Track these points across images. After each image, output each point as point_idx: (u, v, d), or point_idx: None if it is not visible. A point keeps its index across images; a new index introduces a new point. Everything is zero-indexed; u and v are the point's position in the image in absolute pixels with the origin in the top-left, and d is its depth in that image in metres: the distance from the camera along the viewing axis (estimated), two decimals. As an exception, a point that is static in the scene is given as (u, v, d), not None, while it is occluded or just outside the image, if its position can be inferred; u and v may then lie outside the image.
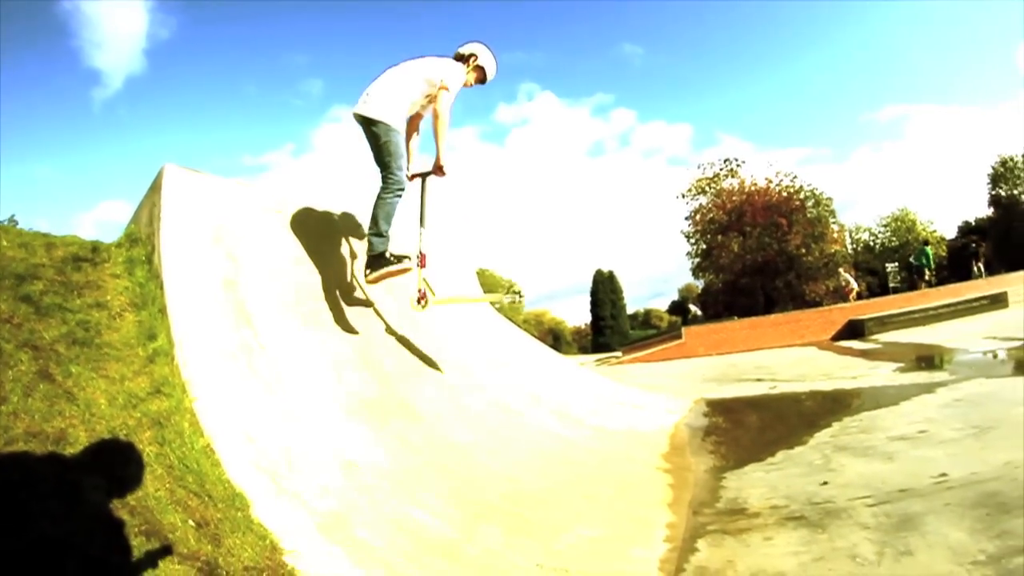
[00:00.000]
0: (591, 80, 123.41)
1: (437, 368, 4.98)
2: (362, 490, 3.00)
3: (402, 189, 4.66)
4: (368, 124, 4.61)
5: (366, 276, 4.74)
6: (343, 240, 5.27)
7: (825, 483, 4.01)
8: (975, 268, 28.71)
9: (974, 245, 29.91)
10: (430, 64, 4.81)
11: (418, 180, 5.07)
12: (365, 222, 4.93)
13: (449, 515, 3.14)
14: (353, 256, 5.23)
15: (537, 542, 3.15)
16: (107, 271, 3.80)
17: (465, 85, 5.02)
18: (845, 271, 26.52)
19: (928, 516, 3.19)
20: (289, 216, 4.84)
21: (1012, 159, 49.27)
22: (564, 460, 4.65)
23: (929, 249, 28.81)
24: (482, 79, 5.17)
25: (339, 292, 4.76)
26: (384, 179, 4.65)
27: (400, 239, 5.06)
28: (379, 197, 4.64)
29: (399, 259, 4.74)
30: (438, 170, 4.96)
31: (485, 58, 5.08)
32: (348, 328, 4.51)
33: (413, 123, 5.06)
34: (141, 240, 4.08)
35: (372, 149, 4.67)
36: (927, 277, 27.45)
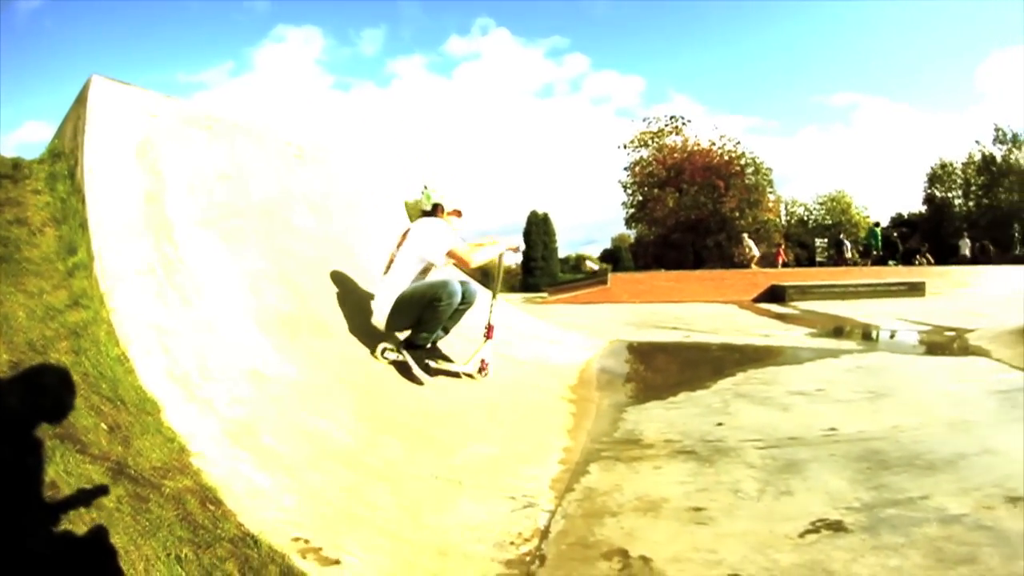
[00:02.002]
0: (549, 22, 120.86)
1: (355, 288, 5.02)
2: (271, 400, 3.10)
3: (451, 293, 4.33)
4: (392, 321, 4.48)
5: (397, 351, 4.52)
6: (270, 158, 5.24)
7: (720, 424, 4.21)
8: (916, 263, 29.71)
9: (924, 247, 30.99)
10: (414, 248, 4.50)
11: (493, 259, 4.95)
12: (294, 140, 5.12)
13: (353, 427, 3.27)
14: (279, 174, 5.23)
15: (436, 456, 3.30)
16: (28, 187, 3.75)
17: (455, 222, 4.82)
18: (749, 237, 26.89)
19: (812, 463, 3.36)
20: (217, 132, 4.77)
21: (951, 164, 51.89)
22: (472, 384, 4.79)
23: (879, 230, 29.95)
24: (459, 212, 4.88)
25: (262, 209, 4.75)
26: (432, 303, 4.39)
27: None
28: (433, 307, 4.37)
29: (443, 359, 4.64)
30: (511, 249, 5.00)
31: (449, 198, 4.81)
32: (268, 245, 4.52)
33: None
34: (64, 155, 4.01)
35: (413, 312, 4.44)
36: (874, 255, 28.56)
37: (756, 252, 26.31)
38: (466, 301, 4.58)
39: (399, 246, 4.57)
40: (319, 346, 3.98)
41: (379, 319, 4.51)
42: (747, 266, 24.47)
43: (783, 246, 34.42)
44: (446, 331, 4.75)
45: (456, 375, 4.72)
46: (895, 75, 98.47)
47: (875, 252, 28.56)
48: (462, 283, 4.53)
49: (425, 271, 4.62)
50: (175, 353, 2.99)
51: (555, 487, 3.11)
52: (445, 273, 4.89)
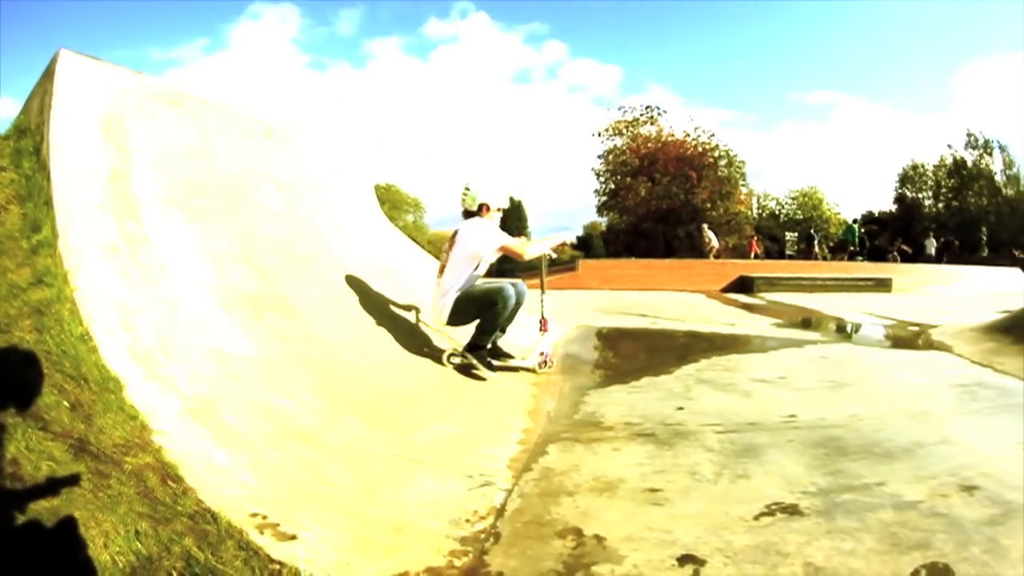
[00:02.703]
0: (529, 8, 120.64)
1: (321, 269, 5.05)
2: (232, 378, 3.14)
3: (507, 297, 4.79)
4: (453, 320, 5.00)
5: (461, 355, 5.01)
6: (239, 136, 5.20)
7: (681, 408, 4.27)
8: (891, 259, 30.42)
9: (898, 243, 31.70)
10: (461, 250, 4.95)
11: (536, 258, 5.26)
12: (264, 119, 5.13)
13: (314, 405, 3.32)
14: (247, 153, 5.21)
15: (396, 435, 3.36)
16: (-8, 165, 3.68)
17: (497, 218, 5.26)
18: (708, 228, 27.13)
19: (771, 448, 3.42)
20: (185, 109, 4.72)
21: (923, 166, 54.37)
22: (436, 366, 4.88)
23: (856, 227, 30.81)
24: (501, 208, 5.28)
25: (229, 189, 4.74)
26: (490, 305, 4.87)
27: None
28: (492, 311, 4.87)
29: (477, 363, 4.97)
30: (562, 244, 5.44)
31: (493, 198, 5.17)
32: (234, 224, 4.51)
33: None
34: (30, 131, 3.94)
35: (470, 312, 4.98)
36: (850, 250, 29.42)
37: (716, 243, 26.51)
38: (519, 302, 5.02)
39: (449, 249, 5.01)
40: (283, 325, 4.00)
41: (438, 318, 5.06)
42: (707, 257, 24.75)
43: (756, 238, 34.89)
44: (503, 331, 5.21)
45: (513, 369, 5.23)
46: (874, 76, 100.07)
47: (852, 248, 29.22)
48: (513, 285, 4.96)
49: (477, 268, 5.04)
50: (138, 331, 3.01)
51: (513, 467, 3.16)
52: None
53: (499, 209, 5.20)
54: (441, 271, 5.03)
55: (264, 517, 2.16)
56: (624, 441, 3.58)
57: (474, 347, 4.97)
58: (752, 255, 31.37)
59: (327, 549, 2.08)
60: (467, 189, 5.12)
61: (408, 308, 5.65)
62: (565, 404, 4.50)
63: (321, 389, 3.53)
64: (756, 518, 2.54)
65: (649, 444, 3.51)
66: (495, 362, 5.04)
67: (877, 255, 30.10)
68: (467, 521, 2.48)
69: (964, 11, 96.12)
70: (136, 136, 4.15)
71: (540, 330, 5.40)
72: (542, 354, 5.38)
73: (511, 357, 5.25)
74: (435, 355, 5.00)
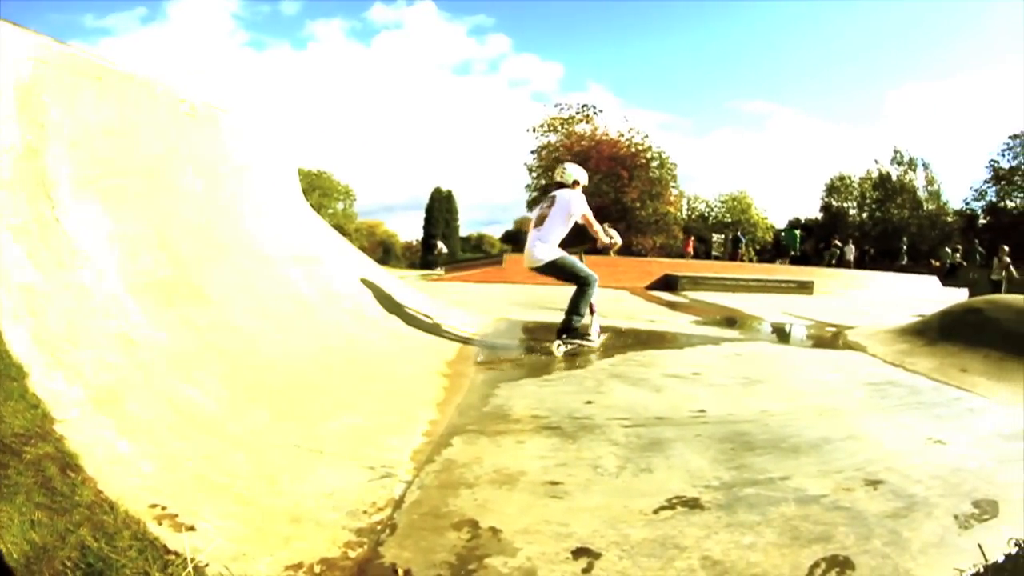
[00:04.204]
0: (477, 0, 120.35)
1: (238, 257, 5.00)
2: (139, 366, 3.12)
3: (594, 282, 6.38)
4: (547, 267, 6.34)
5: (563, 342, 6.30)
6: (161, 115, 5.05)
7: (590, 402, 4.31)
8: (828, 256, 31.57)
9: (834, 248, 32.87)
10: (562, 207, 6.39)
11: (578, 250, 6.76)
12: (189, 98, 5.04)
13: (221, 395, 3.32)
14: (168, 133, 5.07)
15: (301, 425, 3.35)
16: None
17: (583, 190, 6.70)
18: (611, 226, 27.69)
19: (677, 443, 3.46)
20: (107, 84, 4.54)
21: (849, 177, 58.21)
22: (348, 356, 4.89)
23: (797, 233, 32.14)
24: (585, 185, 6.79)
25: (147, 170, 4.61)
26: (581, 282, 6.34)
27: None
28: (582, 291, 6.33)
29: (585, 336, 6.57)
30: (603, 248, 6.88)
31: (583, 179, 6.76)
32: (150, 207, 4.41)
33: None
34: (-62, 104, 3.76)
35: (559, 275, 6.44)
36: (791, 254, 30.61)
37: (619, 241, 26.96)
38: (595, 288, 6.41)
39: (549, 207, 6.44)
40: (194, 313, 3.96)
41: (531, 259, 6.40)
42: (607, 254, 25.10)
43: (692, 238, 35.66)
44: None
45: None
46: (811, 90, 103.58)
47: (793, 253, 30.26)
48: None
49: (566, 227, 6.42)
50: (45, 317, 2.97)
51: (416, 458, 3.17)
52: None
53: (584, 187, 6.73)
54: (540, 221, 6.44)
55: (163, 508, 2.19)
56: (529, 434, 3.61)
57: (570, 330, 6.32)
58: (689, 254, 32.18)
59: (223, 540, 2.12)
60: (564, 168, 6.79)
61: (326, 297, 5.68)
62: (475, 396, 4.52)
63: (229, 378, 3.53)
64: (656, 512, 2.58)
65: (554, 437, 3.54)
66: (586, 343, 6.53)
67: (805, 260, 31.23)
68: (365, 512, 2.51)
69: (902, 38, 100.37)
70: (53, 110, 3.99)
71: (590, 313, 6.61)
72: (600, 328, 6.83)
73: (588, 337, 6.60)
74: (353, 343, 5.03)
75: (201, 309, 4.07)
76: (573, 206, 6.37)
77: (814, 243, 37.65)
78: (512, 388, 4.79)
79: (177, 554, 1.96)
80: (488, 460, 3.17)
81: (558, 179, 6.75)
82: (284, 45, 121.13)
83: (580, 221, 6.45)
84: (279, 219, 6.22)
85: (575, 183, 6.61)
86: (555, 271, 6.38)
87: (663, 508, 2.62)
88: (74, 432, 2.39)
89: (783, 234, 35.22)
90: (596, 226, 6.56)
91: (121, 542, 1.92)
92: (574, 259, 6.44)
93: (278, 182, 6.57)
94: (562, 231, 6.38)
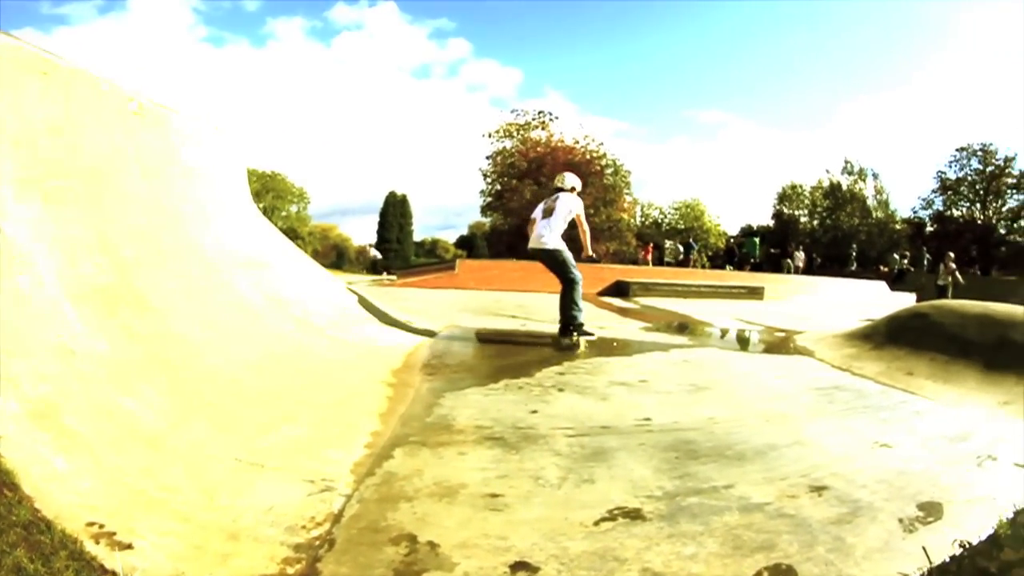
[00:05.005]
0: (439, 3, 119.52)
1: (184, 263, 4.89)
2: (78, 378, 3.05)
3: (580, 281, 7.47)
4: (548, 253, 7.43)
5: (571, 340, 7.41)
6: (108, 114, 4.89)
7: (534, 412, 4.31)
8: (785, 264, 32.44)
9: (793, 253, 33.83)
10: (565, 204, 7.57)
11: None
12: (138, 96, 4.97)
13: (162, 407, 3.26)
14: (115, 133, 4.91)
15: (242, 438, 3.32)
16: None
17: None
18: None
19: (620, 452, 3.47)
20: (53, 80, 4.36)
21: (801, 186, 61.37)
22: (293, 365, 4.83)
23: (757, 240, 33.08)
24: (579, 191, 7.97)
25: (92, 171, 4.46)
26: (568, 280, 7.42)
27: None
28: (569, 292, 7.40)
29: (589, 333, 7.55)
30: (588, 258, 7.97)
31: (578, 186, 7.97)
32: (94, 211, 4.27)
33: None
34: None
35: (552, 266, 7.51)
36: (752, 261, 31.76)
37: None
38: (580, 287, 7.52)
39: (555, 202, 7.55)
40: (136, 321, 3.87)
41: (543, 244, 7.43)
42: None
43: (651, 244, 36.19)
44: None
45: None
46: (766, 101, 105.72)
47: (753, 260, 31.12)
48: None
49: (565, 223, 7.53)
50: (-21, 325, 2.87)
51: (356, 471, 3.15)
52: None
53: (579, 192, 7.91)
54: (548, 213, 7.49)
55: (101, 526, 2.18)
56: (472, 445, 3.59)
57: (577, 325, 7.46)
58: (649, 261, 32.65)
59: (161, 557, 2.13)
60: (564, 176, 8.02)
61: (272, 304, 5.63)
62: (419, 406, 4.47)
63: (170, 390, 3.47)
64: (596, 523, 2.58)
65: (497, 448, 3.53)
66: (591, 336, 7.58)
67: (743, 265, 32.01)
68: (303, 528, 2.50)
69: (854, 51, 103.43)
70: (-3, 108, 3.82)
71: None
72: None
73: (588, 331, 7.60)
74: (298, 352, 5.02)
75: (143, 317, 3.98)
76: (573, 204, 7.59)
77: (765, 250, 38.63)
78: (457, 398, 4.74)
79: (114, 573, 1.97)
80: (429, 472, 3.15)
81: (558, 185, 7.91)
82: (243, 42, 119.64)
83: (574, 219, 7.60)
84: (227, 223, 6.10)
85: (572, 188, 7.80)
86: (551, 260, 7.44)
87: (604, 520, 2.63)
88: (10, 449, 2.34)
89: (744, 241, 36.12)
90: (586, 226, 7.73)
91: (58, 563, 1.91)
92: (570, 256, 7.46)
93: (227, 185, 6.44)
94: (563, 226, 7.51)
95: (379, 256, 48.26)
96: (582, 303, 7.47)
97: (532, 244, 7.61)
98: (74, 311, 3.48)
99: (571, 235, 7.63)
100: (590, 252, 7.87)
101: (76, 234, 4.00)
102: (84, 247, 3.97)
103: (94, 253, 4.02)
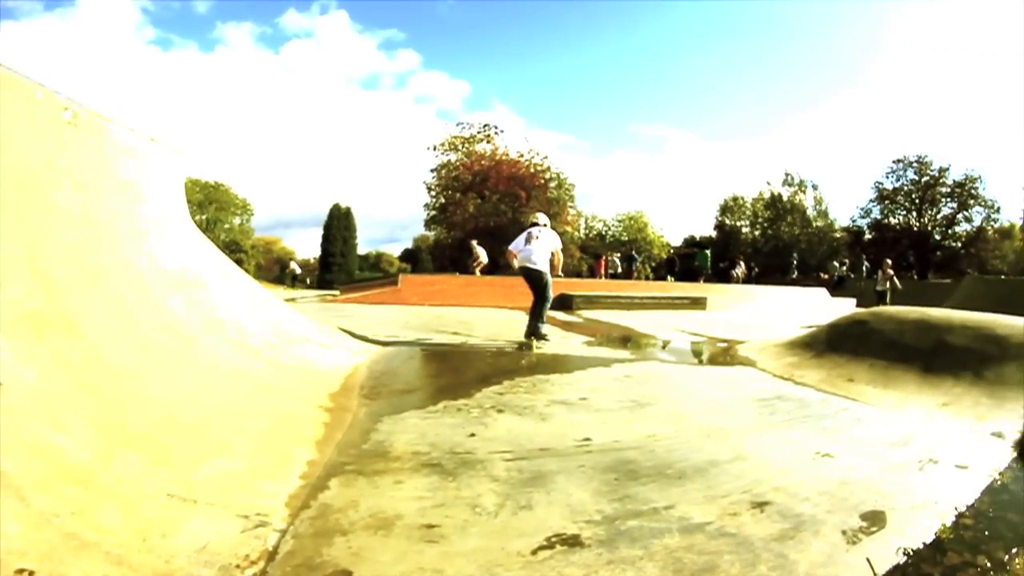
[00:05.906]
0: (390, 13, 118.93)
1: (118, 284, 4.73)
2: (4, 411, 2.91)
3: (551, 298, 9.58)
4: (538, 274, 9.45)
5: (535, 345, 9.21)
6: (38, 123, 4.63)
7: (473, 435, 4.29)
8: (733, 276, 33.41)
9: (741, 265, 34.81)
10: (549, 238, 9.69)
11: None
12: (72, 105, 4.83)
13: (92, 441, 3.14)
14: (45, 143, 4.64)
15: (175, 472, 3.22)
16: None
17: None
18: (477, 244, 27.97)
19: (559, 475, 3.46)
20: None
21: (742, 198, 64.72)
22: (228, 391, 4.70)
23: (708, 252, 34.66)
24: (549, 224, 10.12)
25: (20, 184, 4.22)
26: (544, 298, 9.46)
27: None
28: (541, 307, 9.48)
29: (546, 339, 9.60)
30: (555, 275, 9.74)
31: (546, 221, 10.18)
32: (20, 227, 4.03)
33: None
34: None
35: (536, 284, 9.51)
36: (706, 273, 32.76)
37: (484, 259, 27.06)
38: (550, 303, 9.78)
39: (540, 233, 9.60)
40: (66, 348, 3.70)
41: (535, 265, 9.42)
42: (472, 272, 25.38)
43: (605, 257, 36.69)
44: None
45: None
46: (709, 116, 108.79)
47: (705, 271, 32.05)
48: None
49: (549, 252, 9.60)
50: (-103, 355, 2.70)
51: (291, 504, 3.08)
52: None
53: (552, 227, 9.96)
54: (532, 239, 9.48)
55: (31, 573, 2.12)
56: (408, 473, 3.54)
57: (538, 332, 9.48)
58: (603, 274, 33.03)
59: None
60: (536, 215, 10.19)
61: (208, 326, 5.51)
62: (356, 432, 4.40)
63: (101, 422, 3.33)
64: (534, 552, 2.58)
65: (433, 475, 3.49)
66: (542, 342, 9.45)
67: (690, 276, 32.89)
68: (237, 567, 2.44)
69: (795, 65, 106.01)
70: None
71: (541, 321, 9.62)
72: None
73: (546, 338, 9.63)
74: (233, 377, 4.94)
75: (74, 343, 3.80)
76: (555, 240, 9.71)
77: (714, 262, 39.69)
78: (394, 422, 4.68)
79: (44, 627, 1.90)
80: (364, 503, 3.11)
81: (533, 221, 9.99)
82: (192, 46, 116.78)
83: (552, 251, 9.59)
84: (162, 241, 5.90)
85: (545, 224, 9.88)
86: (538, 279, 9.40)
87: (542, 548, 2.63)
88: (-72, 492, 2.22)
89: (696, 254, 36.96)
90: (560, 258, 9.82)
91: (-16, 618, 1.84)
92: (551, 280, 9.53)
93: (164, 200, 6.21)
94: (548, 255, 9.52)
95: (299, 271, 48.35)
96: (546, 316, 9.54)
97: (523, 263, 9.39)
98: (1, 338, 3.31)
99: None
100: (560, 273, 9.94)
101: (4, 254, 3.78)
102: (12, 269, 3.76)
103: (23, 275, 3.82)
